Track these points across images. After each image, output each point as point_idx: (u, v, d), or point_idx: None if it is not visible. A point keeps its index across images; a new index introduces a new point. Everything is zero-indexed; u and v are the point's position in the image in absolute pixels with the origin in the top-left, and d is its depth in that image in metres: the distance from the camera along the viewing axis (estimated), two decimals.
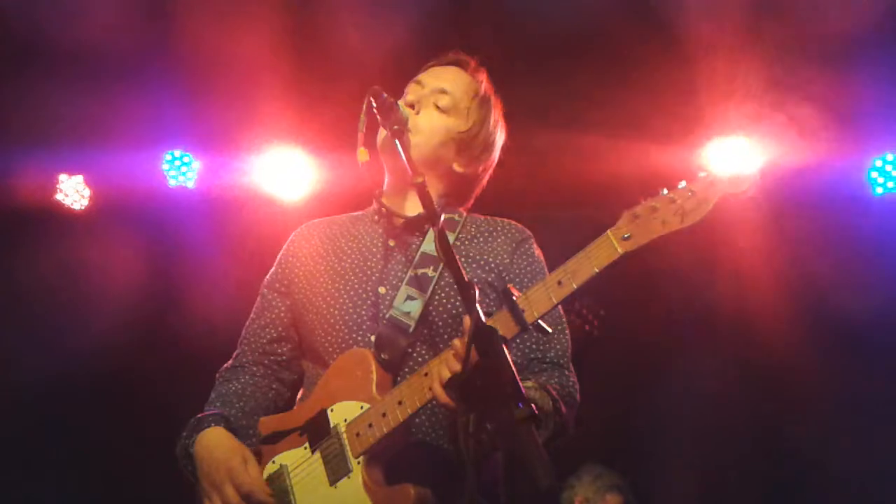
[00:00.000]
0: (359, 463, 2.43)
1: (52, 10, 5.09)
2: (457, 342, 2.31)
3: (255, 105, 5.72)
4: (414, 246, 2.74)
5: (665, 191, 2.25)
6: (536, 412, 1.88)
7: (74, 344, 5.79)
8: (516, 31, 5.27)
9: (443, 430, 2.55)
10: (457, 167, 2.83)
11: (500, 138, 2.96)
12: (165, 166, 6.18)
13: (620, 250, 2.24)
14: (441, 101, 2.79)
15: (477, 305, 2.11)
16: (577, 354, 2.83)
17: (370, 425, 2.42)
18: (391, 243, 2.76)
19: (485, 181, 2.96)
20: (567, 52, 5.26)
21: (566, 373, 2.68)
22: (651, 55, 5.21)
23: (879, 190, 5.75)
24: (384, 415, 2.40)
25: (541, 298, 2.29)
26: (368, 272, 2.72)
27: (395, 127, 2.56)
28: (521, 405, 1.87)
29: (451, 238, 2.70)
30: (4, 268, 5.84)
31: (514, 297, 2.26)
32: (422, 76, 2.88)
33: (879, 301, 5.48)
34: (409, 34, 5.09)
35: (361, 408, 2.46)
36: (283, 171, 6.10)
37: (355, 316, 2.66)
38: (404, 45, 5.06)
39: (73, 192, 6.27)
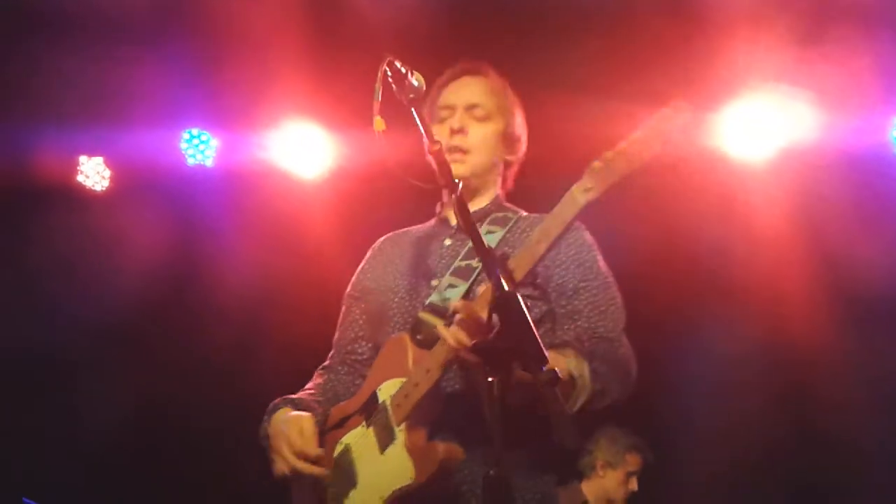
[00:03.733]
0: (401, 430, 2.66)
1: None
2: (459, 303, 2.53)
3: (272, 81, 5.72)
4: (468, 241, 2.89)
5: (620, 144, 2.52)
6: (560, 375, 1.91)
7: (96, 324, 5.84)
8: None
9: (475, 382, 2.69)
10: (507, 157, 3.07)
11: (524, 120, 3.16)
12: (184, 145, 6.20)
13: (582, 201, 2.50)
14: (477, 113, 3.00)
15: (497, 270, 2.14)
16: None
17: (406, 395, 2.67)
18: (447, 242, 2.99)
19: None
20: (579, 16, 5.23)
21: (615, 344, 2.81)
22: (669, 16, 5.17)
23: None
24: (416, 384, 2.64)
25: (524, 257, 2.54)
26: (425, 269, 2.95)
27: (411, 96, 2.57)
28: (543, 368, 1.91)
29: (500, 233, 2.93)
30: (27, 250, 5.88)
31: (507, 261, 2.40)
32: (447, 98, 3.04)
33: None
34: (426, 5, 5.07)
35: (402, 382, 2.71)
36: (301, 147, 6.10)
37: (410, 308, 2.88)
38: (421, 17, 5.04)
39: (93, 173, 6.31)
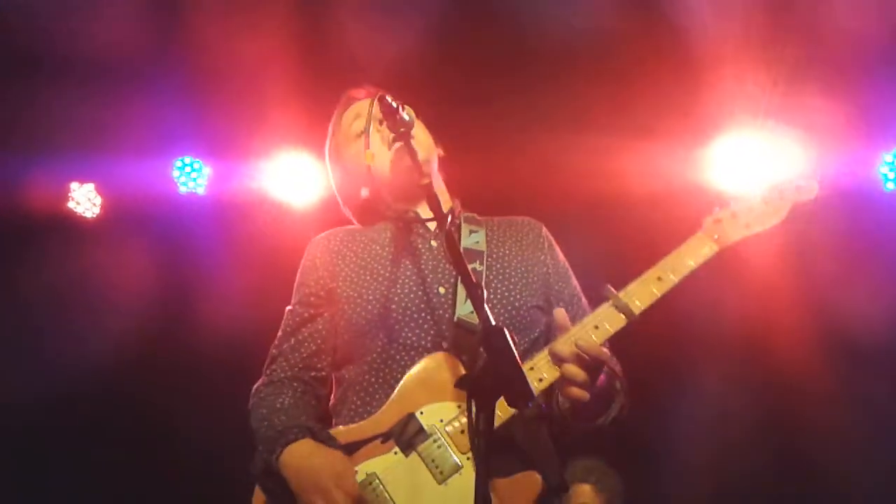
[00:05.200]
0: (468, 458, 2.46)
1: (61, 19, 5.12)
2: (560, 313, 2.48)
3: (264, 110, 5.75)
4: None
5: (737, 198, 2.57)
6: (546, 410, 1.91)
7: (87, 352, 5.82)
8: (523, 35, 5.28)
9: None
10: (440, 152, 3.01)
11: None
12: (176, 173, 6.22)
13: (716, 247, 2.52)
14: (387, 107, 2.80)
15: (485, 306, 2.14)
16: None
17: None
18: (433, 243, 2.82)
19: None
20: (573, 54, 5.27)
21: (612, 357, 2.76)
22: (659, 53, 5.22)
23: (890, 185, 5.73)
24: None
25: (643, 293, 2.52)
26: (422, 274, 2.75)
27: (402, 130, 2.58)
28: (529, 404, 1.90)
29: (482, 233, 2.86)
30: (18, 277, 5.87)
31: (616, 293, 2.46)
32: (354, 111, 2.97)
33: (892, 299, 5.45)
34: (418, 39, 5.11)
35: (459, 407, 2.51)
36: (293, 177, 6.12)
37: (420, 320, 2.68)
38: (413, 50, 5.07)
39: (84, 200, 6.31)
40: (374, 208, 2.94)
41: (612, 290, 2.49)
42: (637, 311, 2.48)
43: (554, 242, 2.98)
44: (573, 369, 2.42)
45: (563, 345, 2.44)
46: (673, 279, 2.51)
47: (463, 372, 2.53)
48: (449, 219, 2.52)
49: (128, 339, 5.95)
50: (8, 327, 5.91)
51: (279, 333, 2.90)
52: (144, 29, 5.26)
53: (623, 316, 2.49)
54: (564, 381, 2.44)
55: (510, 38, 5.28)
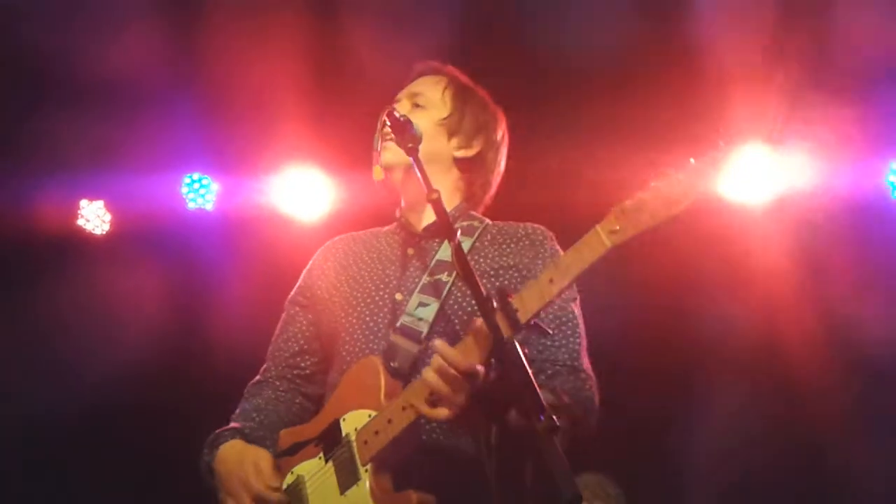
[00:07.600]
0: (367, 470, 2.43)
1: (70, 37, 5.15)
2: (478, 322, 2.26)
3: (271, 126, 5.77)
4: (432, 253, 2.81)
5: (654, 183, 2.21)
6: (558, 423, 1.89)
7: (97, 368, 5.83)
8: (535, 50, 5.30)
9: (457, 434, 2.53)
10: (456, 152, 2.93)
11: (492, 122, 3.04)
12: (185, 189, 6.24)
13: (608, 244, 2.18)
14: (417, 100, 2.93)
15: (496, 317, 2.13)
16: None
17: (376, 432, 2.42)
18: (410, 252, 2.85)
19: (498, 167, 3.04)
20: (585, 69, 5.28)
21: (581, 376, 2.66)
22: (670, 67, 5.23)
23: None
24: (390, 421, 2.39)
25: (533, 297, 2.25)
26: (386, 280, 2.80)
27: (410, 145, 2.59)
28: (542, 417, 1.89)
29: (468, 243, 2.78)
30: (28, 295, 5.88)
31: (509, 298, 2.22)
32: (398, 95, 3.03)
33: None
34: (426, 56, 5.11)
35: (370, 416, 2.46)
36: (301, 192, 6.13)
37: (372, 324, 2.73)
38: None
39: (94, 217, 6.33)
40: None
41: (507, 294, 2.23)
42: (523, 320, 2.21)
43: (557, 251, 2.80)
44: (436, 383, 2.23)
45: (435, 359, 2.25)
46: (564, 282, 2.21)
47: (384, 378, 2.50)
48: (458, 231, 2.51)
49: (138, 354, 5.95)
50: (18, 345, 5.91)
51: (276, 330, 3.03)
52: (153, 47, 5.29)
53: (510, 326, 2.19)
54: (431, 398, 2.27)
55: (526, 52, 5.30)
